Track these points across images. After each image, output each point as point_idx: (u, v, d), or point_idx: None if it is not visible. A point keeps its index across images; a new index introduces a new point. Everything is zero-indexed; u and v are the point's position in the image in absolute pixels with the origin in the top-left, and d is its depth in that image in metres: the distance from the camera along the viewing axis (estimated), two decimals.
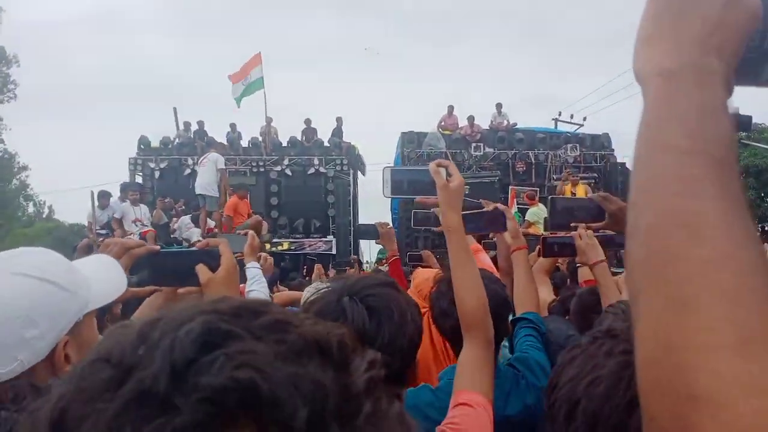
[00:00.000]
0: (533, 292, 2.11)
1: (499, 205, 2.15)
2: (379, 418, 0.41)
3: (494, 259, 3.45)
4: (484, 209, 2.17)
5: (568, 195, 11.65)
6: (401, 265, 3.58)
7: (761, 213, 25.84)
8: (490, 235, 3.12)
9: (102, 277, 1.23)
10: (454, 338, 1.71)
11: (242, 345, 0.40)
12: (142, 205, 10.96)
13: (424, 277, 2.56)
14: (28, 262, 1.07)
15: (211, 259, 1.45)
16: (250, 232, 3.35)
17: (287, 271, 11.68)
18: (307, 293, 3.51)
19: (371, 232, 2.91)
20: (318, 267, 7.79)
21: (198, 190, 10.76)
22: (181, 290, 1.50)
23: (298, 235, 14.92)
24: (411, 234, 14.85)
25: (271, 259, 2.76)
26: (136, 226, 10.50)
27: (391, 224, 3.68)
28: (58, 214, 45.96)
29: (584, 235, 2.38)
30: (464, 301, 1.53)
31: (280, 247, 13.97)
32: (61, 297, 1.07)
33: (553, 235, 2.70)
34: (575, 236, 2.43)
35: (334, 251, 14.82)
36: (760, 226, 24.47)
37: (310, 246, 14.72)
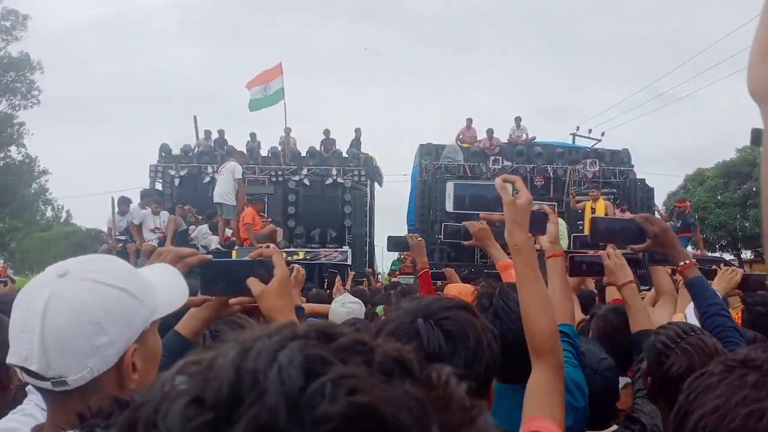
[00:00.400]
0: (569, 304, 1.93)
1: (545, 206, 2.01)
2: (479, 429, 0.42)
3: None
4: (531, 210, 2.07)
5: (589, 211, 11.53)
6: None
7: None
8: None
9: (166, 286, 1.23)
10: None
11: (341, 369, 0.39)
12: (162, 212, 11.03)
13: (456, 291, 2.51)
14: (99, 269, 1.06)
15: (264, 269, 1.45)
16: (295, 265, 3.32)
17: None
18: (336, 305, 3.51)
19: (402, 244, 2.87)
20: (338, 279, 7.76)
21: (216, 199, 10.84)
22: (232, 300, 1.50)
23: (314, 245, 14.89)
24: (427, 246, 14.76)
25: (303, 271, 2.71)
26: (154, 233, 10.57)
27: (421, 237, 3.63)
28: (76, 218, 46.55)
29: (613, 254, 2.34)
30: (535, 324, 1.47)
31: (295, 257, 13.97)
32: (131, 304, 1.06)
33: (581, 254, 2.66)
34: (603, 255, 2.37)
35: (349, 262, 14.78)
36: None
37: (325, 256, 14.67)
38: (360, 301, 3.48)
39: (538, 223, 1.91)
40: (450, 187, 2.37)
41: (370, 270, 13.79)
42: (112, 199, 10.58)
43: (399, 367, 0.41)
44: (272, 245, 3.83)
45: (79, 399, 1.00)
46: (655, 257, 3.02)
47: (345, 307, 3.31)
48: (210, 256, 1.54)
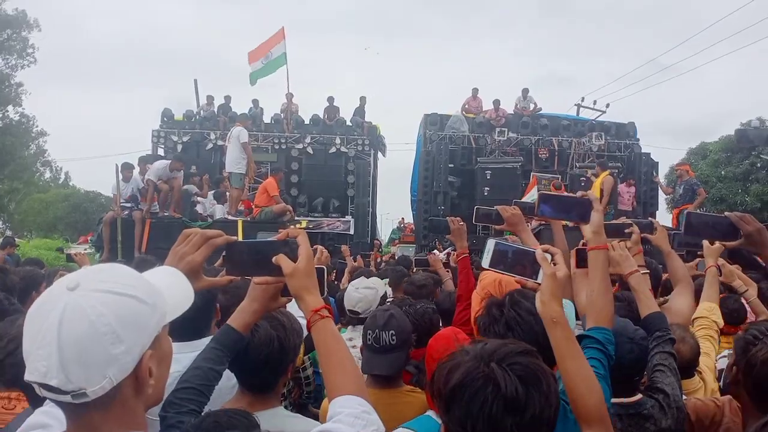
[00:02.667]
0: (608, 304, 1.77)
1: (590, 194, 1.90)
2: None
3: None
4: (573, 195, 2.01)
5: (597, 187, 11.45)
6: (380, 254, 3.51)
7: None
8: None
9: (172, 289, 1.24)
10: None
11: None
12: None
13: (491, 278, 2.51)
14: (108, 278, 1.07)
15: (289, 250, 1.45)
16: (320, 247, 3.26)
17: None
18: (351, 288, 3.48)
19: (443, 227, 2.81)
20: (344, 248, 7.74)
21: (227, 168, 10.79)
22: (256, 279, 1.52)
23: (316, 214, 14.89)
24: (428, 218, 14.78)
25: (327, 253, 2.70)
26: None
27: (462, 221, 3.60)
28: (75, 180, 46.33)
29: (617, 246, 2.37)
30: (582, 398, 1.46)
31: (298, 225, 13.97)
32: (143, 311, 1.07)
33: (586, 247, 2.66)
34: (608, 247, 2.39)
35: (352, 231, 14.80)
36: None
37: (328, 225, 14.69)
38: (376, 286, 3.46)
39: (582, 211, 1.85)
40: (491, 243, 2.36)
41: (378, 242, 13.78)
42: (116, 165, 10.47)
43: None
44: (296, 227, 3.82)
45: (98, 410, 1.02)
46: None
47: (358, 292, 3.29)
48: (235, 237, 1.54)
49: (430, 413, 2.10)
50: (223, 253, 1.53)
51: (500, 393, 1.13)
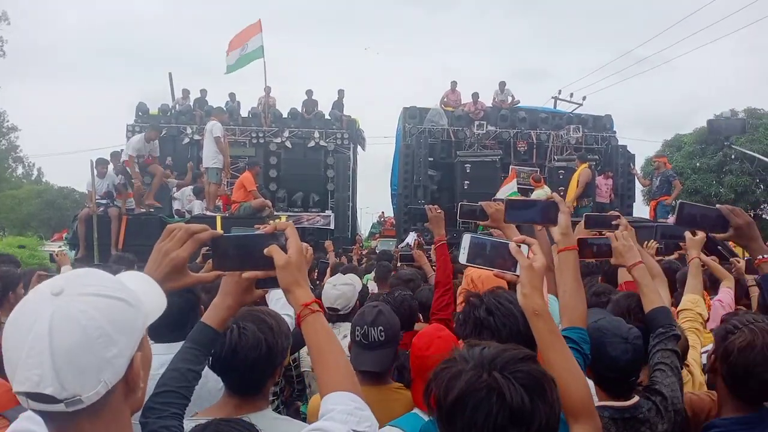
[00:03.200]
0: (580, 304, 1.80)
1: (555, 196, 1.95)
2: None
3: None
4: (539, 200, 1.99)
5: (575, 179, 11.54)
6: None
7: (754, 199, 26.04)
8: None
9: (148, 295, 1.20)
10: None
11: None
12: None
13: (477, 274, 2.50)
14: (92, 281, 1.04)
15: (279, 243, 1.41)
16: (305, 244, 3.22)
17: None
18: (328, 286, 3.44)
19: (478, 212, 2.76)
20: (328, 243, 7.68)
21: (204, 164, 10.66)
22: (246, 274, 1.45)
23: (296, 209, 14.81)
24: (409, 211, 14.81)
25: (311, 251, 2.65)
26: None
27: (440, 209, 3.61)
28: (48, 176, 45.44)
29: (621, 236, 2.33)
30: (569, 392, 1.41)
31: (277, 221, 13.85)
32: (130, 313, 1.04)
33: (590, 236, 2.66)
34: (612, 237, 2.36)
35: (332, 226, 14.75)
36: (752, 211, 24.71)
37: (308, 220, 14.63)
38: (353, 282, 3.44)
39: (549, 214, 1.86)
40: (467, 239, 2.34)
41: (359, 237, 13.73)
42: (91, 162, 10.22)
43: None
44: (284, 219, 3.76)
45: (88, 417, 0.99)
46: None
47: (336, 289, 3.27)
48: (220, 231, 1.49)
49: (417, 411, 2.08)
50: (205, 249, 1.49)
51: (505, 403, 1.07)
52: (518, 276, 1.50)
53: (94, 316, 0.97)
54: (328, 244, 7.64)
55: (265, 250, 1.39)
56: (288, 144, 15.34)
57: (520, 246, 1.53)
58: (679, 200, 2.33)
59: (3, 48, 33.92)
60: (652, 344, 2.07)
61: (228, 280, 1.51)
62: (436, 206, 3.62)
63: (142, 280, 1.28)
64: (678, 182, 12.11)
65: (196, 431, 1.33)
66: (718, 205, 2.13)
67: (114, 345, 0.98)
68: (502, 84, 17.02)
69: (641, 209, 20.08)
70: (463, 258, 1.57)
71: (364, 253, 13.13)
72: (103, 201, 10.05)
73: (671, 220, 12.18)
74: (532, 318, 1.48)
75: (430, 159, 15.19)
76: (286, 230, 1.42)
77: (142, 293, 1.15)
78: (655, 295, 2.21)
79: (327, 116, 16.27)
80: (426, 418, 1.99)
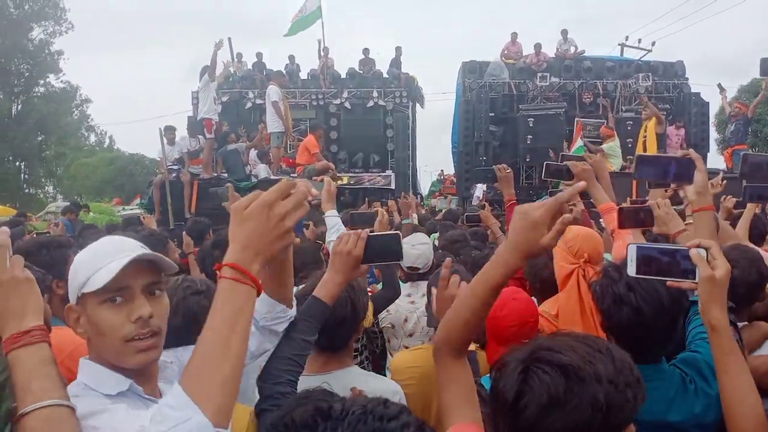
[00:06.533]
0: None
1: (692, 152, 1.78)
2: None
3: None
4: (674, 155, 1.84)
5: (651, 132, 11.04)
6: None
7: None
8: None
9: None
10: (619, 337, 1.59)
11: None
12: None
13: (573, 233, 2.46)
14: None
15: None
16: (326, 178, 3.31)
17: (346, 206, 11.74)
18: (407, 246, 3.49)
19: (490, 175, 2.73)
20: (392, 204, 7.62)
21: (268, 129, 10.88)
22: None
23: (357, 170, 14.89)
24: (470, 170, 14.60)
25: (386, 216, 2.76)
26: None
27: (509, 168, 3.58)
28: (119, 143, 47.31)
29: (663, 204, 2.28)
30: (734, 419, 1.35)
31: (339, 182, 14.02)
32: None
33: (630, 205, 2.56)
34: (653, 206, 2.31)
35: (393, 186, 14.78)
36: None
37: (369, 180, 14.69)
38: (428, 241, 3.48)
39: (684, 172, 1.75)
40: (633, 249, 2.23)
41: (413, 194, 13.58)
42: (160, 130, 10.59)
43: None
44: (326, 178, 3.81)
45: None
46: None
47: (415, 249, 3.30)
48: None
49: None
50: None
51: (544, 392, 1.02)
52: (696, 284, 1.36)
53: None
54: (392, 204, 7.62)
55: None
56: (347, 105, 15.35)
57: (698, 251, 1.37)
58: (743, 153, 2.20)
59: (70, 21, 35.19)
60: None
61: (337, 258, 1.62)
62: (504, 165, 3.57)
63: None
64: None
65: (302, 398, 1.39)
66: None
67: None
68: (565, 32, 16.30)
69: (715, 159, 19.10)
70: (632, 271, 1.43)
71: (423, 211, 13.11)
72: (175, 167, 10.42)
73: None
74: (710, 333, 1.38)
75: (491, 114, 14.84)
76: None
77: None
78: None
79: (385, 75, 16.12)
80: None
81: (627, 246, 1.46)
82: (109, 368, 1.22)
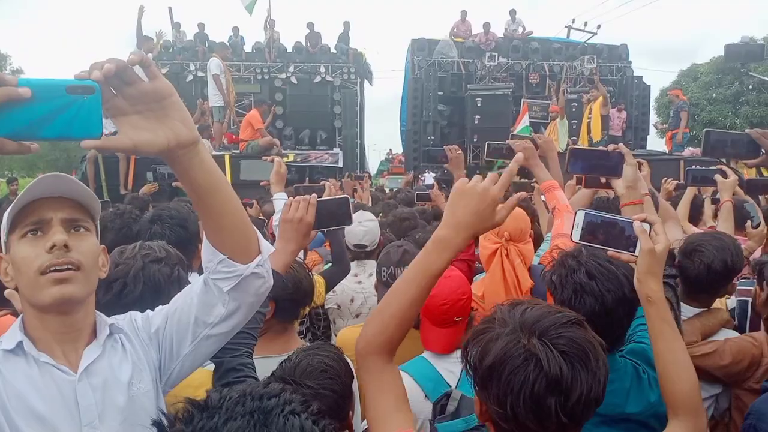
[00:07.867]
0: None
1: (621, 147, 1.82)
2: None
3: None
4: (604, 149, 1.85)
5: (596, 113, 11.21)
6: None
7: None
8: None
9: None
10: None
11: None
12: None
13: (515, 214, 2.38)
14: None
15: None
16: (277, 158, 3.15)
17: (292, 183, 11.46)
18: (354, 223, 3.35)
19: (505, 151, 2.66)
20: (334, 182, 7.45)
21: (209, 103, 10.54)
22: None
23: (303, 147, 14.57)
24: (417, 148, 14.55)
25: (284, 167, 2.78)
26: None
27: (460, 150, 3.48)
28: None
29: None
30: (674, 384, 1.35)
31: (285, 159, 13.65)
32: None
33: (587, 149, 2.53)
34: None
35: (340, 164, 14.55)
36: None
37: (316, 158, 14.40)
38: (374, 218, 3.35)
39: (613, 165, 1.77)
40: (581, 215, 2.15)
41: (367, 172, 13.46)
42: None
43: None
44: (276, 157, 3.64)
45: None
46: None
47: (362, 225, 3.17)
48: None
49: (426, 354, 1.99)
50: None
51: (542, 371, 1.01)
52: (636, 257, 1.39)
53: None
54: (334, 183, 7.45)
55: None
56: (293, 80, 14.93)
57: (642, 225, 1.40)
58: (705, 129, 2.19)
59: None
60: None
61: (288, 227, 1.68)
62: (456, 146, 3.49)
63: None
64: (685, 113, 11.80)
65: (293, 361, 1.54)
66: (747, 130, 1.99)
67: None
68: (513, 12, 16.34)
69: (655, 142, 19.71)
70: (576, 236, 1.45)
71: (372, 190, 12.98)
72: None
73: (687, 153, 11.94)
74: (645, 304, 1.39)
75: (439, 93, 14.80)
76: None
77: None
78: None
79: (333, 50, 15.77)
80: (433, 362, 1.94)
81: (576, 212, 1.47)
82: (30, 317, 1.18)
